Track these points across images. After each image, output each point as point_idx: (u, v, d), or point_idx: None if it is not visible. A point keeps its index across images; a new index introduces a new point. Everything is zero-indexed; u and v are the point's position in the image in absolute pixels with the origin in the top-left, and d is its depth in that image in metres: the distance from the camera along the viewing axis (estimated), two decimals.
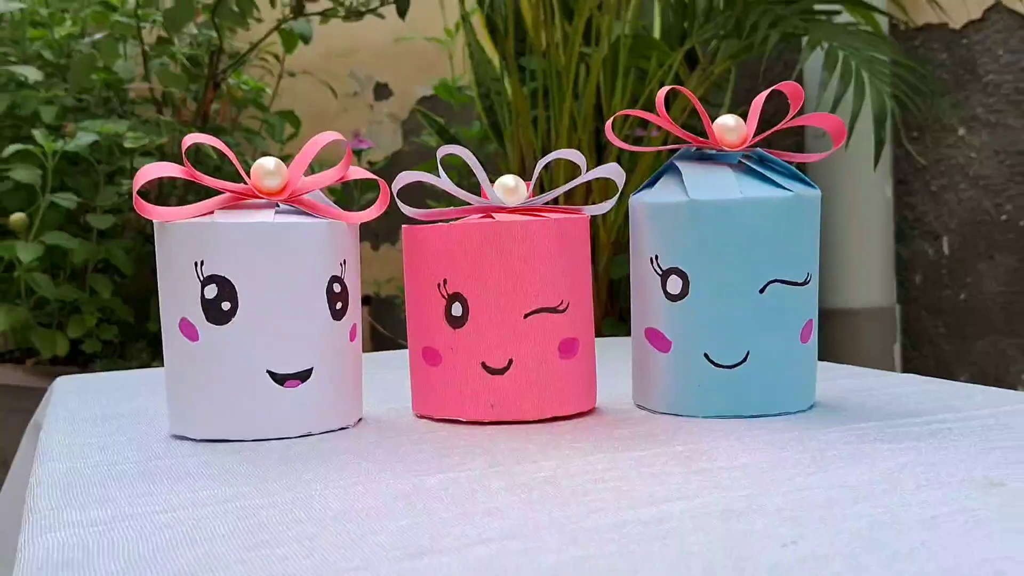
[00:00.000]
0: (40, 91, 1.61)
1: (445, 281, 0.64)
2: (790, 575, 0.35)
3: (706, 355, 0.63)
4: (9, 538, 0.71)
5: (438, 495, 0.47)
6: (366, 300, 2.11)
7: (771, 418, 0.62)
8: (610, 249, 1.60)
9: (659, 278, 0.64)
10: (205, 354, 0.60)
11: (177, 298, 0.61)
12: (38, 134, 1.48)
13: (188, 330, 0.61)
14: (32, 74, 1.57)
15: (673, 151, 0.68)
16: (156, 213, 0.61)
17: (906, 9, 1.68)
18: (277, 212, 0.62)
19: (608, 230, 1.59)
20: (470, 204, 0.66)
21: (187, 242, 0.60)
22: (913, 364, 1.83)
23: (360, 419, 0.67)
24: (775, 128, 0.67)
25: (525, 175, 1.48)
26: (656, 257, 0.64)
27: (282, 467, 0.54)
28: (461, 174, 1.69)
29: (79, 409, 0.75)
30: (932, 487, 0.46)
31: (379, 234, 2.24)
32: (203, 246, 0.60)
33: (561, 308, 0.64)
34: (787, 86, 0.66)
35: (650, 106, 1.53)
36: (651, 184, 0.67)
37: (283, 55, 1.85)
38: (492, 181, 0.66)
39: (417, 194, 1.67)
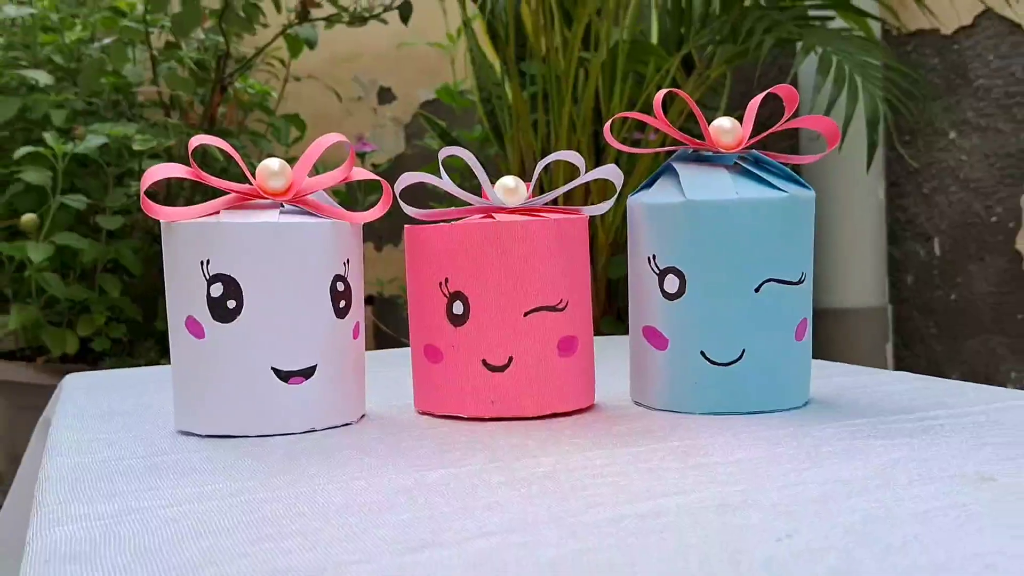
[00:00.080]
0: (51, 95, 1.60)
1: (446, 280, 0.64)
2: (785, 568, 0.35)
3: (702, 353, 0.63)
4: (20, 531, 0.71)
5: (439, 490, 0.47)
6: (370, 300, 2.11)
7: (766, 415, 0.62)
8: (608, 249, 1.59)
9: (656, 277, 0.64)
10: (211, 351, 0.60)
11: (183, 296, 0.61)
12: (49, 137, 1.48)
13: (194, 328, 0.60)
14: (43, 78, 1.57)
15: (670, 153, 0.68)
16: (163, 213, 0.61)
17: (898, 15, 1.68)
18: (282, 212, 0.61)
19: (607, 231, 1.59)
20: (471, 205, 0.66)
21: (193, 241, 0.60)
22: (905, 363, 1.82)
23: (363, 415, 0.67)
24: (770, 130, 0.66)
25: (525, 177, 1.47)
26: (653, 257, 0.64)
27: (286, 462, 0.54)
28: (463, 176, 1.69)
29: (87, 405, 0.75)
30: (924, 482, 0.45)
31: (382, 235, 2.24)
32: (209, 245, 0.59)
33: (560, 307, 0.64)
34: (782, 89, 0.65)
35: (648, 109, 1.52)
36: (649, 185, 0.67)
37: (289, 60, 1.85)
38: (493, 183, 0.65)
39: (420, 196, 1.67)
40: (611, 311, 1.64)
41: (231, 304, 0.59)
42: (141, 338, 1.67)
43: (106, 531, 0.42)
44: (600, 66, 1.52)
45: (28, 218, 1.50)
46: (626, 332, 0.69)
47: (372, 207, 0.67)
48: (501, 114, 1.64)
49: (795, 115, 0.66)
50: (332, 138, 0.64)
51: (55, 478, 0.52)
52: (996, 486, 0.45)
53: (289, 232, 0.60)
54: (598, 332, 1.43)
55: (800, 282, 0.63)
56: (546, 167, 1.59)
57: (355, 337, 0.64)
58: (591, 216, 0.68)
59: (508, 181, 0.66)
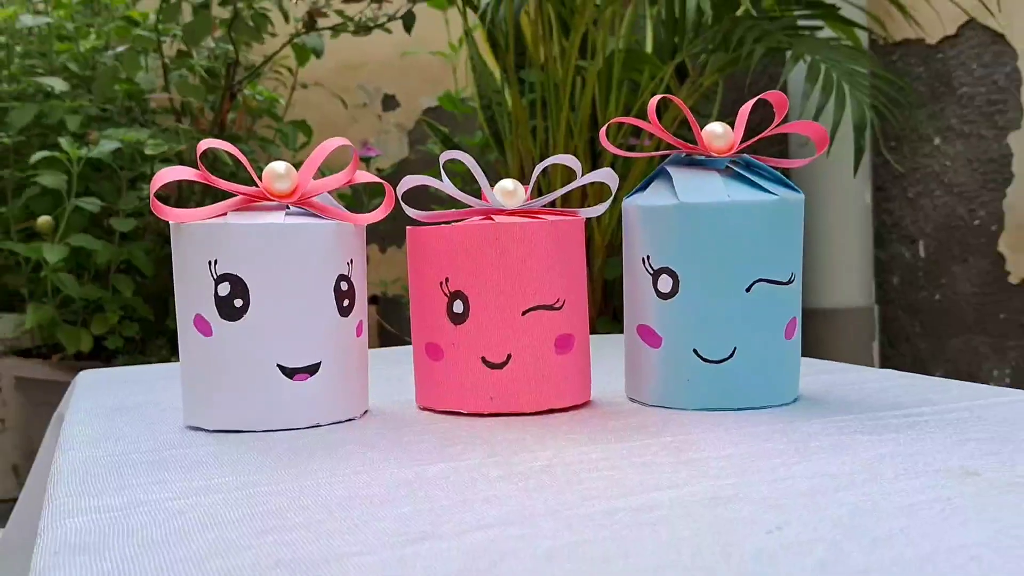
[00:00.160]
0: (66, 101, 1.60)
1: (447, 280, 0.63)
2: (775, 560, 0.34)
3: (695, 351, 0.62)
4: (35, 522, 0.71)
5: (439, 483, 0.47)
6: (374, 299, 2.11)
7: (757, 411, 0.62)
8: (604, 251, 1.59)
9: (650, 277, 0.63)
10: (218, 349, 0.60)
11: (192, 295, 0.60)
12: (64, 142, 1.47)
13: (202, 326, 0.60)
14: (58, 85, 1.57)
15: (664, 157, 0.67)
16: (172, 215, 0.61)
17: (885, 25, 1.67)
18: (287, 214, 0.61)
19: (603, 233, 1.58)
20: (471, 207, 0.65)
21: (201, 242, 0.59)
22: (891, 361, 1.82)
23: (366, 411, 0.66)
24: (761, 135, 0.66)
25: (524, 181, 1.47)
26: (648, 257, 0.64)
27: (291, 457, 0.53)
28: (464, 180, 1.69)
29: (99, 401, 0.75)
30: (910, 476, 0.45)
31: (386, 237, 2.24)
32: (217, 246, 0.59)
33: (557, 306, 0.63)
34: (772, 95, 0.65)
35: (643, 116, 1.52)
36: (643, 188, 0.66)
37: (296, 68, 1.85)
38: (492, 186, 0.65)
39: (422, 199, 1.67)
40: (607, 311, 1.64)
41: (238, 303, 0.59)
42: (153, 336, 1.66)
43: (115, 523, 0.42)
44: (596, 74, 1.52)
45: (44, 220, 1.50)
46: (621, 331, 0.68)
47: (376, 210, 0.66)
48: (501, 120, 1.64)
49: (785, 121, 0.65)
50: (336, 142, 0.64)
51: (67, 471, 0.52)
52: (980, 480, 0.44)
53: (294, 233, 0.60)
54: (594, 331, 1.42)
55: (790, 282, 0.63)
56: (544, 171, 1.59)
57: (358, 335, 0.64)
58: (587, 218, 0.68)
59: (507, 184, 0.65)
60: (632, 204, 0.65)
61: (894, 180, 1.81)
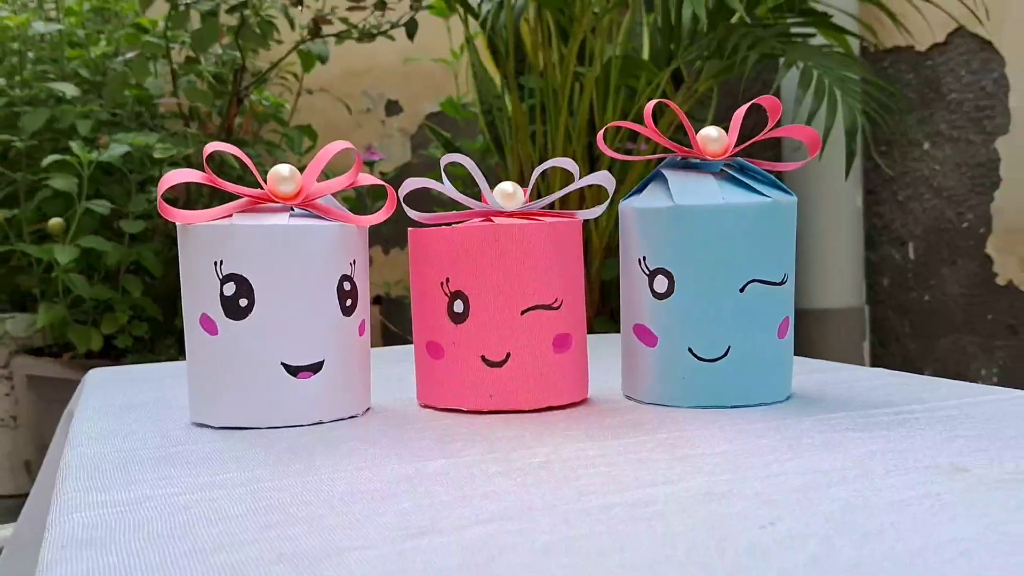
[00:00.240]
0: (77, 106, 1.60)
1: (448, 280, 0.63)
2: (768, 554, 0.34)
3: (690, 349, 0.62)
4: (44, 518, 0.70)
5: (439, 479, 0.46)
6: (377, 300, 2.10)
7: (750, 408, 0.62)
8: (602, 253, 1.59)
9: (646, 278, 0.63)
10: (223, 347, 0.59)
11: (198, 295, 0.60)
12: (75, 145, 1.47)
13: (208, 325, 0.60)
14: (70, 90, 1.56)
15: (660, 160, 0.67)
16: (179, 216, 0.60)
17: (876, 32, 1.67)
18: (291, 215, 0.61)
19: (600, 235, 1.58)
20: (471, 209, 0.65)
21: (208, 243, 0.59)
22: (881, 361, 1.82)
23: (368, 409, 0.66)
24: (755, 139, 0.66)
25: (524, 184, 1.47)
26: (644, 258, 0.63)
27: (294, 453, 0.53)
28: (465, 184, 1.68)
29: (108, 399, 0.75)
30: (900, 473, 0.45)
31: (389, 239, 2.24)
32: (222, 247, 0.59)
33: (555, 305, 0.63)
34: (765, 100, 0.65)
35: (639, 121, 1.52)
36: (639, 191, 0.66)
37: (302, 74, 1.84)
38: (492, 189, 0.65)
39: (424, 202, 1.67)
40: (604, 311, 1.63)
41: (243, 302, 0.59)
42: (161, 336, 1.66)
43: (121, 517, 0.41)
44: (594, 80, 1.51)
45: (55, 222, 1.50)
46: (618, 331, 0.68)
47: (378, 212, 0.66)
48: (501, 125, 1.63)
49: (778, 125, 0.65)
50: (339, 145, 0.63)
51: (75, 467, 0.52)
52: (969, 476, 0.44)
53: (298, 234, 0.59)
54: (591, 331, 1.42)
55: (783, 283, 0.63)
56: (544, 175, 1.58)
57: (361, 334, 0.64)
58: (585, 220, 0.68)
59: (506, 186, 0.65)
60: (628, 206, 0.65)
61: (884, 184, 1.81)
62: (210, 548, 0.37)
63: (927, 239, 1.75)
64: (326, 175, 0.65)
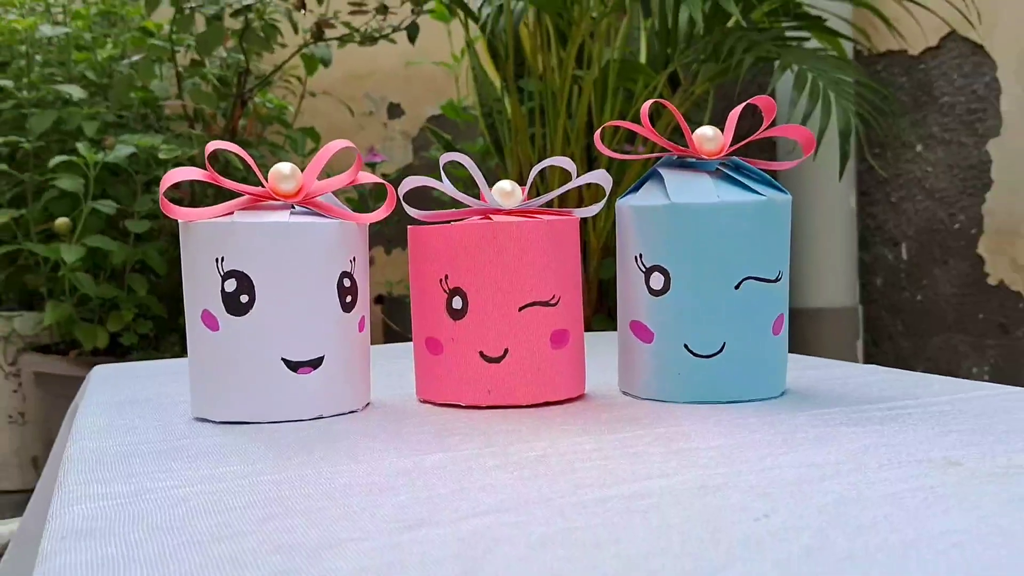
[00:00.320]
0: (83, 108, 1.59)
1: (447, 277, 0.63)
2: (762, 546, 0.34)
3: (686, 346, 0.62)
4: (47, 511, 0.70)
5: (437, 472, 0.46)
6: (379, 299, 2.10)
7: (745, 404, 0.61)
8: (600, 253, 1.58)
9: (643, 275, 0.63)
10: (225, 343, 0.59)
11: (199, 291, 0.60)
12: (81, 147, 1.47)
13: (209, 321, 0.59)
14: (76, 92, 1.56)
15: (657, 160, 0.67)
16: (181, 213, 0.60)
17: (869, 36, 1.67)
18: (292, 213, 0.60)
19: (598, 235, 1.58)
20: (470, 207, 0.65)
21: (209, 240, 0.59)
22: (874, 359, 1.81)
23: (368, 404, 0.66)
24: (750, 139, 0.65)
25: (523, 184, 1.47)
26: (640, 256, 0.63)
27: (294, 447, 0.53)
28: (466, 186, 1.68)
29: (112, 394, 0.74)
30: (894, 466, 0.44)
31: (391, 240, 2.23)
32: (223, 243, 0.58)
33: (553, 302, 0.63)
34: (760, 100, 0.64)
35: (637, 123, 1.51)
36: (636, 189, 0.66)
37: (305, 77, 1.84)
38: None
39: (425, 203, 1.66)
40: (602, 310, 1.63)
41: (244, 298, 0.58)
42: (166, 334, 1.66)
43: (121, 509, 0.41)
44: (592, 83, 1.51)
45: (62, 222, 1.50)
46: (616, 329, 0.68)
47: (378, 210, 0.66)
48: (501, 128, 1.63)
49: (772, 126, 0.65)
50: (339, 144, 0.63)
51: (77, 460, 0.51)
52: (962, 470, 0.44)
53: (299, 231, 0.59)
54: (589, 328, 1.42)
55: (777, 280, 0.62)
56: (543, 176, 1.58)
57: (361, 330, 0.63)
58: (583, 218, 0.67)
59: (504, 185, 0.65)
60: (626, 204, 0.65)
61: (878, 185, 1.81)
62: (209, 539, 0.36)
63: (920, 240, 1.74)
64: (327, 175, 0.65)
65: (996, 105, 1.62)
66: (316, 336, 0.60)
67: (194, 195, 1.62)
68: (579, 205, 1.52)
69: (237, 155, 0.61)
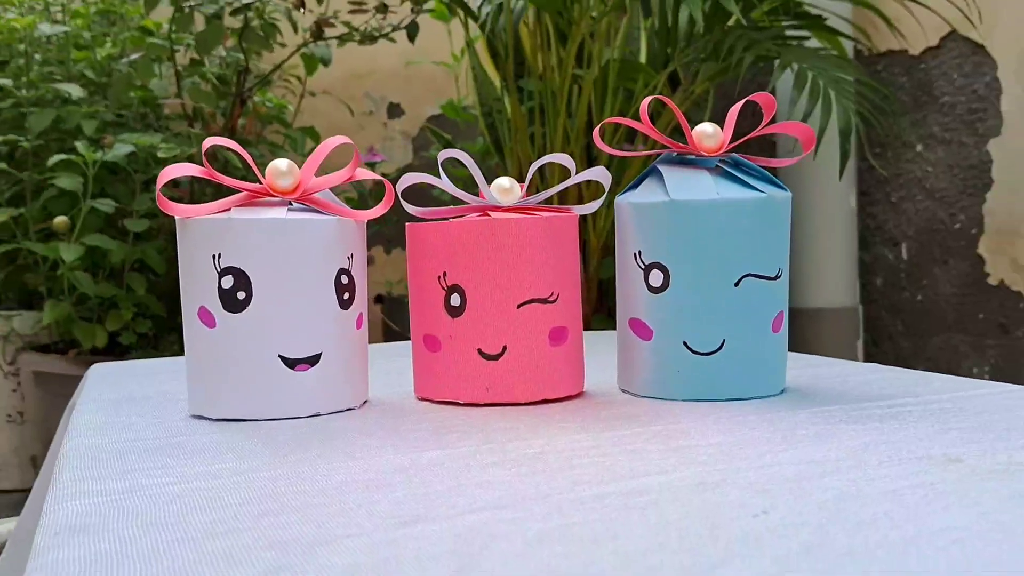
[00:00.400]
0: (83, 107, 1.59)
1: (445, 274, 0.62)
2: (761, 542, 0.33)
3: (685, 343, 0.61)
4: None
5: (434, 469, 0.46)
6: (379, 299, 2.10)
7: (745, 401, 0.61)
8: (600, 252, 1.58)
9: (642, 272, 0.62)
10: (222, 340, 0.59)
11: (196, 288, 0.59)
12: (80, 145, 1.46)
13: (206, 317, 0.59)
14: (75, 91, 1.56)
15: (656, 157, 0.66)
16: (178, 210, 0.60)
17: (870, 36, 1.67)
18: (290, 209, 0.60)
19: (598, 235, 1.57)
20: (469, 204, 0.64)
21: (206, 236, 0.58)
22: (874, 359, 1.81)
23: (366, 401, 0.65)
24: (749, 135, 0.65)
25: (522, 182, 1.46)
26: (639, 253, 0.63)
27: (291, 444, 0.52)
28: (466, 185, 1.67)
29: (109, 392, 0.74)
30: (894, 463, 0.44)
31: (391, 239, 2.23)
32: (220, 240, 0.58)
33: (551, 299, 0.62)
34: (760, 96, 0.64)
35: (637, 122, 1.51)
36: (635, 186, 0.66)
37: (305, 77, 1.84)
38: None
39: (424, 202, 1.66)
40: (602, 309, 1.63)
41: (241, 295, 0.58)
42: (165, 333, 1.65)
43: (115, 505, 0.41)
44: (592, 83, 1.51)
45: (60, 220, 1.49)
46: (615, 327, 0.67)
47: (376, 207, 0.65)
48: (501, 127, 1.63)
49: (772, 123, 0.64)
50: (337, 140, 0.63)
51: (72, 457, 0.51)
52: (962, 467, 0.43)
53: (296, 228, 0.59)
54: (589, 328, 1.41)
55: (777, 277, 0.62)
56: (543, 175, 1.58)
57: (358, 327, 0.63)
58: (582, 217, 0.67)
59: (503, 181, 0.64)
60: (625, 201, 0.64)
61: (878, 185, 1.80)
62: (203, 535, 0.36)
63: (920, 239, 1.74)
64: (325, 172, 0.65)
65: (996, 105, 1.61)
66: (313, 333, 0.59)
67: (193, 194, 1.62)
68: (579, 203, 1.51)
69: (236, 153, 0.61)
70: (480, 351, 0.62)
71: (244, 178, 1.58)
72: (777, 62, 1.38)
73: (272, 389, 0.59)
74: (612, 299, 1.62)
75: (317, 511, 0.39)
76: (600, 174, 0.65)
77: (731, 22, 1.41)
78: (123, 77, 1.60)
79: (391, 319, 2.05)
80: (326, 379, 0.60)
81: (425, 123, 2.18)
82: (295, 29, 1.68)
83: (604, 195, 0.68)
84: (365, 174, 0.65)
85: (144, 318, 1.61)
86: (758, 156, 0.65)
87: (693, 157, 0.64)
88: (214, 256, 0.58)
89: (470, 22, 1.59)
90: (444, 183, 0.64)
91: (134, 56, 1.62)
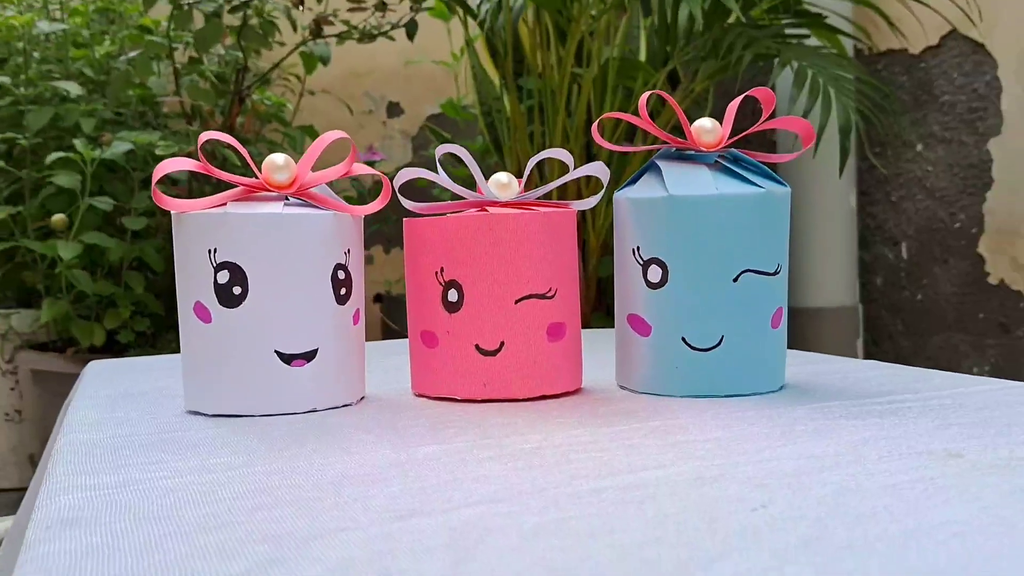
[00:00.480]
0: (81, 105, 1.59)
1: (442, 269, 0.62)
2: (759, 536, 0.33)
3: (683, 339, 0.61)
4: None
5: (430, 464, 0.45)
6: (378, 298, 2.09)
7: (744, 398, 0.60)
8: (599, 251, 1.58)
9: (640, 267, 0.62)
10: (217, 335, 0.58)
11: (192, 283, 0.59)
12: (79, 143, 1.46)
13: (202, 313, 0.59)
14: (74, 89, 1.55)
15: (655, 152, 0.66)
16: (173, 204, 0.59)
17: (870, 35, 1.66)
18: (286, 204, 0.60)
19: (597, 234, 1.57)
20: (467, 199, 0.64)
21: (202, 231, 0.58)
22: (874, 358, 1.79)
23: (363, 398, 0.65)
24: (749, 130, 0.65)
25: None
26: (638, 248, 0.62)
27: (286, 440, 0.52)
28: (466, 184, 1.67)
29: (105, 388, 0.73)
30: (894, 458, 0.44)
31: (390, 239, 2.22)
32: (216, 235, 0.58)
33: (549, 294, 0.62)
34: (759, 91, 0.64)
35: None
36: (634, 181, 0.65)
37: (304, 76, 1.83)
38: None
39: (424, 199, 1.65)
40: (601, 308, 1.62)
41: (237, 290, 0.58)
42: (163, 331, 1.65)
43: (108, 499, 0.40)
44: (592, 81, 1.50)
45: (58, 218, 1.49)
46: (614, 325, 0.67)
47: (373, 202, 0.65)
48: (500, 126, 1.62)
49: (772, 118, 0.64)
50: (334, 135, 0.62)
51: (66, 452, 0.51)
52: (963, 462, 0.43)
53: (292, 222, 0.58)
54: (588, 326, 1.41)
55: (776, 273, 0.62)
56: (543, 174, 1.57)
57: (355, 323, 0.63)
58: (582, 216, 0.67)
59: (501, 177, 0.64)
60: (623, 197, 0.64)
61: (878, 184, 1.80)
62: (196, 529, 0.36)
63: (920, 239, 1.74)
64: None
65: (997, 104, 1.61)
66: (310, 329, 0.59)
67: (192, 194, 1.62)
68: (578, 199, 1.51)
69: (234, 150, 0.60)
70: (478, 347, 0.62)
71: (242, 175, 1.58)
72: (777, 60, 1.38)
73: (268, 384, 0.58)
74: (611, 298, 1.62)
75: (312, 505, 0.39)
76: (598, 169, 0.65)
77: (731, 20, 1.41)
78: (121, 75, 1.59)
79: (390, 318, 2.05)
80: (322, 375, 0.60)
81: (424, 122, 2.17)
82: (294, 27, 1.67)
83: (603, 190, 0.68)
84: (362, 169, 0.64)
85: (142, 316, 1.60)
86: (757, 152, 0.64)
87: (692, 153, 0.64)
88: (210, 251, 0.58)
89: (469, 21, 1.59)
90: (441, 178, 0.64)
91: (133, 54, 1.61)
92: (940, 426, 0.50)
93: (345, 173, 0.63)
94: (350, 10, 1.62)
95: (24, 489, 1.66)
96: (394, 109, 2.27)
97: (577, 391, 0.65)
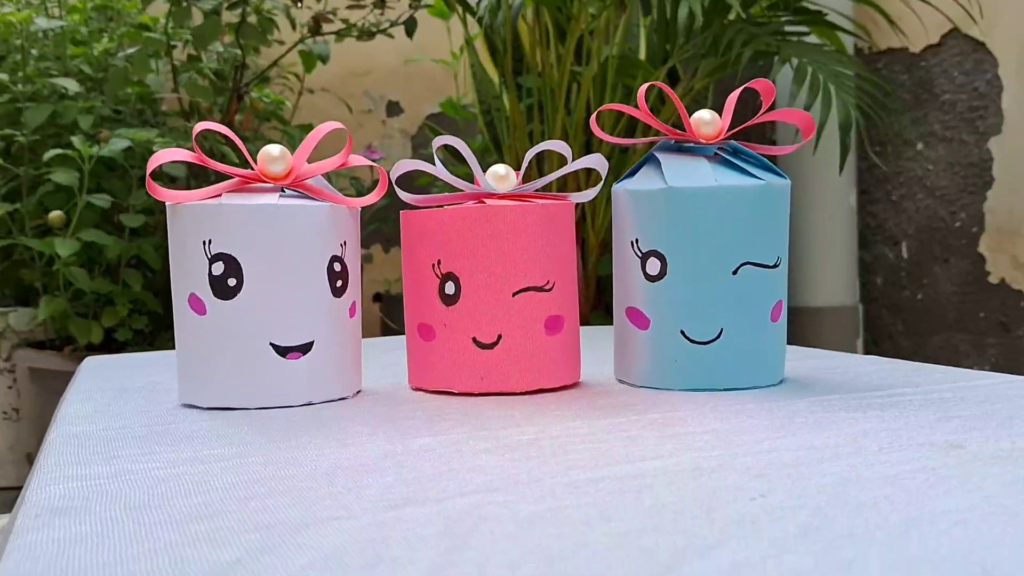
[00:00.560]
0: (79, 102, 1.58)
1: (439, 262, 0.61)
2: (757, 524, 0.32)
3: (682, 332, 0.61)
4: None
5: (425, 455, 0.45)
6: (378, 297, 2.09)
7: (743, 391, 0.60)
8: (598, 249, 1.57)
9: (639, 260, 0.62)
10: (212, 327, 0.58)
11: (187, 275, 0.58)
12: (76, 140, 1.46)
13: (196, 305, 0.58)
14: (72, 86, 1.55)
15: (654, 144, 0.66)
16: (168, 195, 0.59)
17: (870, 34, 1.66)
18: (281, 196, 0.59)
19: (596, 232, 1.56)
20: (464, 191, 0.64)
21: (196, 222, 0.58)
22: None
23: (359, 391, 0.64)
24: (748, 123, 0.64)
25: None
26: (636, 240, 0.62)
27: (281, 432, 0.51)
28: (465, 180, 1.67)
29: (100, 383, 0.73)
30: (894, 449, 0.43)
31: (390, 238, 2.22)
32: (211, 226, 0.57)
33: (547, 287, 0.62)
34: (759, 83, 0.63)
35: (635, 123, 1.50)
36: (633, 173, 0.65)
37: (303, 74, 1.83)
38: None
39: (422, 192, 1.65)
40: (600, 306, 1.62)
41: (231, 282, 0.57)
42: (161, 329, 1.64)
43: (99, 489, 0.40)
44: (591, 79, 1.50)
45: (56, 215, 1.48)
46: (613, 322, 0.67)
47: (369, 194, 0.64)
48: (500, 125, 1.62)
49: (771, 111, 0.64)
50: (330, 126, 0.62)
51: (59, 444, 0.50)
52: (964, 453, 0.42)
53: (288, 214, 0.58)
54: (587, 324, 1.40)
55: (776, 266, 0.61)
56: (542, 170, 1.57)
57: (351, 316, 0.62)
58: (580, 209, 0.66)
59: (499, 169, 0.64)
60: (622, 188, 0.64)
61: (878, 183, 1.79)
62: (187, 518, 0.35)
63: (920, 238, 1.73)
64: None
65: (997, 103, 1.61)
66: (305, 321, 0.59)
67: (190, 184, 1.61)
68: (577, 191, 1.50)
69: (232, 145, 0.60)
70: (475, 340, 0.61)
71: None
72: (776, 57, 1.37)
73: (263, 377, 0.58)
74: (610, 295, 1.62)
75: (305, 495, 0.38)
76: (596, 161, 0.64)
77: (731, 17, 1.41)
78: (120, 72, 1.59)
79: (389, 318, 2.04)
80: (318, 368, 0.59)
81: (424, 121, 2.17)
82: (293, 25, 1.67)
83: (601, 183, 0.68)
84: (358, 160, 0.64)
85: (140, 314, 1.60)
86: (757, 144, 0.64)
87: (691, 145, 0.63)
88: (204, 242, 0.57)
89: (469, 19, 1.59)
90: (438, 170, 0.63)
91: (131, 51, 1.61)
92: (941, 418, 0.50)
93: (341, 164, 0.63)
94: (349, 7, 1.61)
95: (22, 488, 1.65)
96: (393, 108, 2.26)
97: (575, 385, 0.64)
